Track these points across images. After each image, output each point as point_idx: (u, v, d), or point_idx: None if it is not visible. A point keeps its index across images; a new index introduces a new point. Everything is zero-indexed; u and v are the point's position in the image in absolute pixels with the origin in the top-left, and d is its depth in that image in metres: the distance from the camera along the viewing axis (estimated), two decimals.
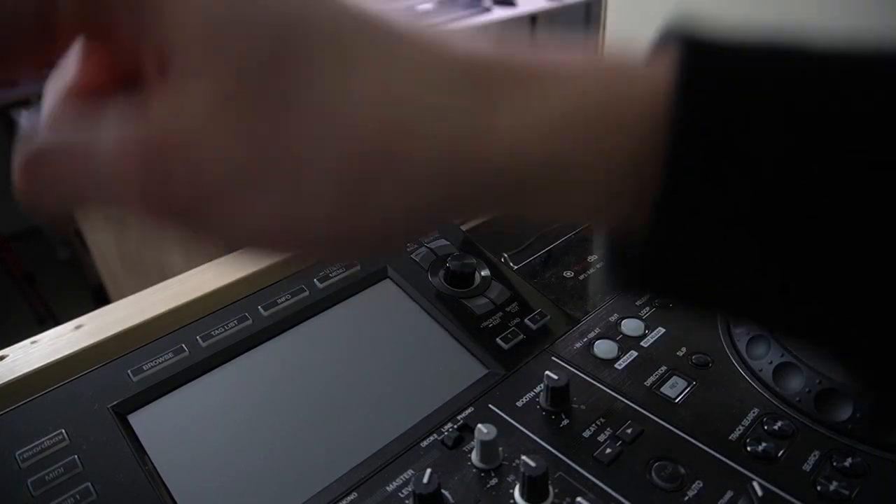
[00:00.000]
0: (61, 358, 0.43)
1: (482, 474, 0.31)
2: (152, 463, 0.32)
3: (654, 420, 0.33)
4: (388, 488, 0.31)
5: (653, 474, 0.30)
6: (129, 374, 0.36)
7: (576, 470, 0.31)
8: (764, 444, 0.31)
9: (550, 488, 0.30)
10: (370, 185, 0.16)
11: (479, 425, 0.31)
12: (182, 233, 0.17)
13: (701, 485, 0.30)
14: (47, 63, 0.17)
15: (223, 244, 0.17)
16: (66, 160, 0.16)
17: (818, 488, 0.29)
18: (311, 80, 0.15)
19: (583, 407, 0.34)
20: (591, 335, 0.40)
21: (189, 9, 0.14)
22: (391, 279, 0.44)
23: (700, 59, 0.15)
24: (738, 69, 0.15)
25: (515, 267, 0.48)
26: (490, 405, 0.35)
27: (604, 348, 0.39)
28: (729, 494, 0.29)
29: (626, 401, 0.35)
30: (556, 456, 0.32)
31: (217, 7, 0.15)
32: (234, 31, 0.15)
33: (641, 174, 0.15)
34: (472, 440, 0.32)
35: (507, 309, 0.42)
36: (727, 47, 0.15)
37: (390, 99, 0.15)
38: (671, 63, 0.15)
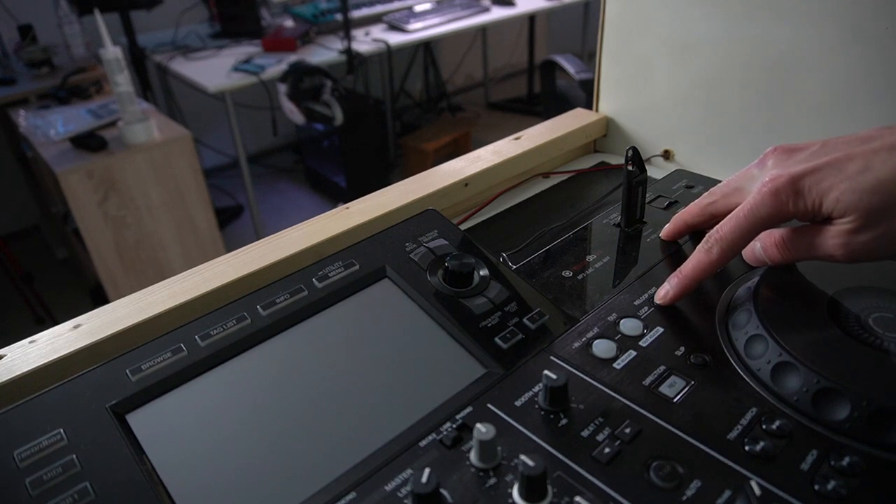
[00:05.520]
0: (59, 357, 0.43)
1: (481, 474, 0.31)
2: (150, 462, 0.32)
3: (652, 419, 0.33)
4: (386, 488, 0.31)
5: (651, 473, 0.30)
6: (127, 374, 0.36)
7: (574, 469, 0.31)
8: (762, 444, 0.31)
9: (549, 487, 0.30)
10: None
11: (478, 425, 0.31)
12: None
13: (699, 484, 0.30)
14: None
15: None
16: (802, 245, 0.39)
17: (816, 487, 0.29)
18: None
19: (581, 406, 0.34)
20: (590, 335, 0.40)
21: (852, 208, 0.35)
22: (390, 279, 0.44)
23: None
24: None
25: (514, 266, 0.48)
26: (489, 405, 0.35)
27: (602, 348, 0.39)
28: (727, 494, 0.29)
29: (624, 400, 0.35)
30: (555, 455, 0.32)
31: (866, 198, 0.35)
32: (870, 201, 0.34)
33: None
34: (471, 440, 0.32)
35: (506, 308, 0.42)
36: None
37: None
38: None
